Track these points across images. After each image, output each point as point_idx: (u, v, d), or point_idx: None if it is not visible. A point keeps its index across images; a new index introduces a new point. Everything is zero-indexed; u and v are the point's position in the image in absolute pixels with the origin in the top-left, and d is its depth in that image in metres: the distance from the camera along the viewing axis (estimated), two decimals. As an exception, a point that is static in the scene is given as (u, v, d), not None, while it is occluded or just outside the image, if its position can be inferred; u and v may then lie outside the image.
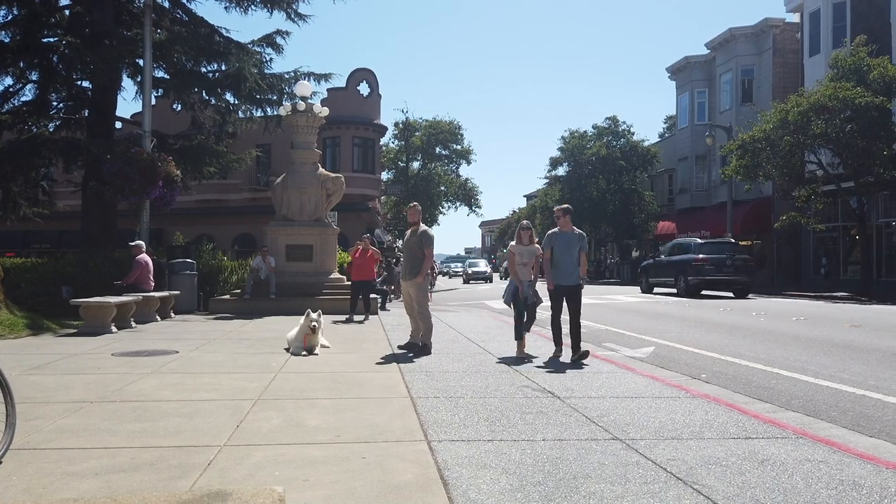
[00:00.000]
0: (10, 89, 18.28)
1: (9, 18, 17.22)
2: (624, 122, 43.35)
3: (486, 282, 43.95)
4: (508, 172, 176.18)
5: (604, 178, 41.44)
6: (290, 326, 8.80)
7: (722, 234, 30.30)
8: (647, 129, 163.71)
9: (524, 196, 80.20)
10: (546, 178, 48.66)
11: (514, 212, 71.94)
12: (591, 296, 22.47)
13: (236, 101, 18.92)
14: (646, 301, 19.58)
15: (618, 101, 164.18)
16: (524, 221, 8.94)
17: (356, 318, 12.77)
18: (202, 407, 5.11)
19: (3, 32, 17.54)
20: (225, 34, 18.29)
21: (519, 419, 4.79)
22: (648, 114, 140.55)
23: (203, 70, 18.75)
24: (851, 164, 21.88)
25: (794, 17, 30.64)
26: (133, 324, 11.17)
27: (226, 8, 18.62)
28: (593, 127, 44.03)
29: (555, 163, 45.83)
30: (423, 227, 8.67)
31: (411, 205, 9.23)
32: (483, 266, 48.69)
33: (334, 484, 3.38)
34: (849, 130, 21.19)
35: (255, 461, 3.74)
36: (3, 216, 17.88)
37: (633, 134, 43.04)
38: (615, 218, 40.87)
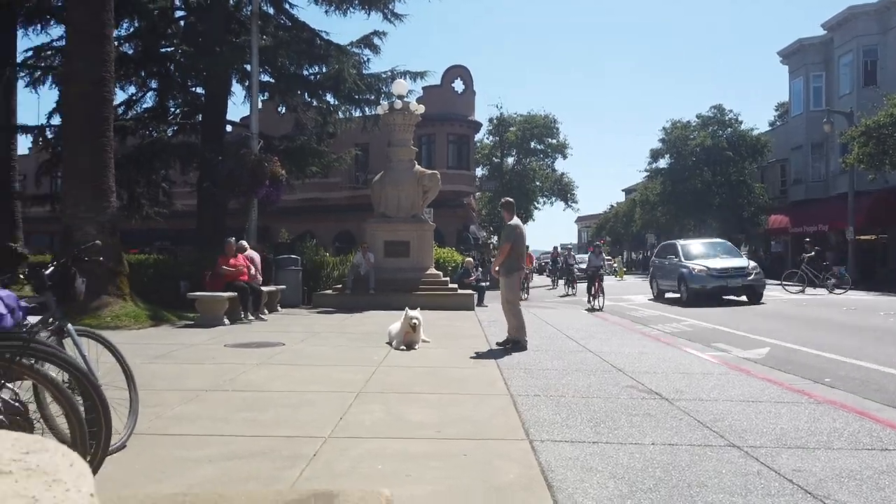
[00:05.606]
0: (133, 97, 19.74)
1: (130, 31, 18.52)
2: (731, 111, 41.22)
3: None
4: (606, 166, 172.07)
5: (709, 170, 39.51)
6: (389, 321, 8.94)
7: (842, 228, 28.19)
8: (757, 118, 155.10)
9: (622, 190, 77.87)
10: (646, 170, 47.03)
11: (612, 206, 70.07)
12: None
13: (336, 102, 19.51)
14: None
15: (724, 89, 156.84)
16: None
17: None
18: (307, 398, 5.25)
19: (127, 45, 18.94)
20: (325, 37, 18.91)
21: (625, 421, 4.59)
22: (758, 101, 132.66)
23: (305, 73, 19.47)
24: None
25: (927, -10, 27.94)
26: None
27: (326, 12, 19.21)
28: (697, 116, 42.15)
29: (655, 155, 44.21)
30: (510, 221, 8.63)
31: (501, 201, 9.16)
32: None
33: (437, 480, 3.35)
34: None
35: (358, 453, 3.77)
36: (128, 216, 19.28)
37: (740, 123, 40.84)
38: (722, 212, 38.85)
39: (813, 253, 22.14)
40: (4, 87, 18.85)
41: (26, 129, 19.19)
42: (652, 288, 19.97)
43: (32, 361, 2.61)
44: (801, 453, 3.85)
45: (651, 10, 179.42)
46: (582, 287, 23.85)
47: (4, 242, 18.92)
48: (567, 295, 23.35)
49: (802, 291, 21.00)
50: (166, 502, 1.41)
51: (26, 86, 18.48)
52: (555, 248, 33.95)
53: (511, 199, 9.29)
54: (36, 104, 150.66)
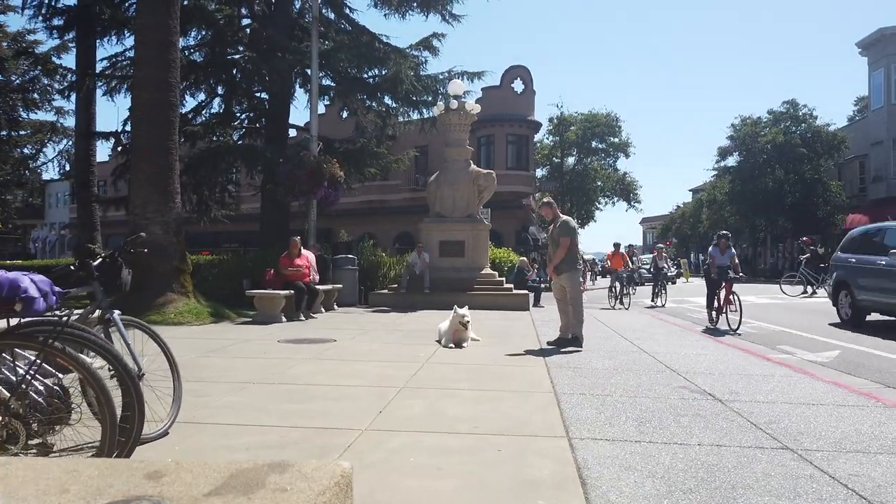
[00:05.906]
0: (202, 104, 20.49)
1: (199, 39, 19.23)
2: (805, 106, 39.39)
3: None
4: (671, 165, 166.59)
5: (781, 168, 37.86)
6: (442, 320, 8.91)
7: (928, 227, 26.46)
8: (833, 113, 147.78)
9: (689, 190, 75.58)
10: (714, 169, 45.55)
11: (678, 207, 68.11)
12: (766, 295, 20.59)
13: (394, 105, 19.70)
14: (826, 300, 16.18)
15: (797, 83, 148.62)
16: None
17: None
18: (350, 392, 5.28)
19: (197, 53, 19.69)
20: (385, 41, 19.15)
21: (672, 421, 4.41)
22: (834, 95, 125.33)
23: (364, 76, 19.76)
24: None
25: None
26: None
27: (385, 15, 19.49)
28: (768, 112, 40.48)
29: (724, 153, 42.76)
30: (562, 217, 8.59)
31: (542, 201, 9.08)
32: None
33: (467, 475, 3.29)
34: None
35: (392, 446, 3.75)
36: (197, 218, 20.02)
37: (815, 118, 38.97)
38: (794, 211, 37.13)
39: (809, 254, 21.57)
40: (85, 96, 19.95)
41: (103, 135, 20.21)
42: (838, 305, 11.91)
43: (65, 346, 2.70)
44: (861, 458, 3.59)
45: (718, 1, 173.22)
46: (672, 291, 22.02)
47: (84, 244, 20.01)
48: (655, 306, 17.48)
49: (805, 293, 20.26)
50: (124, 469, 1.41)
51: (104, 94, 19.48)
52: (630, 246, 31.93)
53: (551, 199, 9.28)
54: (115, 112, 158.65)
